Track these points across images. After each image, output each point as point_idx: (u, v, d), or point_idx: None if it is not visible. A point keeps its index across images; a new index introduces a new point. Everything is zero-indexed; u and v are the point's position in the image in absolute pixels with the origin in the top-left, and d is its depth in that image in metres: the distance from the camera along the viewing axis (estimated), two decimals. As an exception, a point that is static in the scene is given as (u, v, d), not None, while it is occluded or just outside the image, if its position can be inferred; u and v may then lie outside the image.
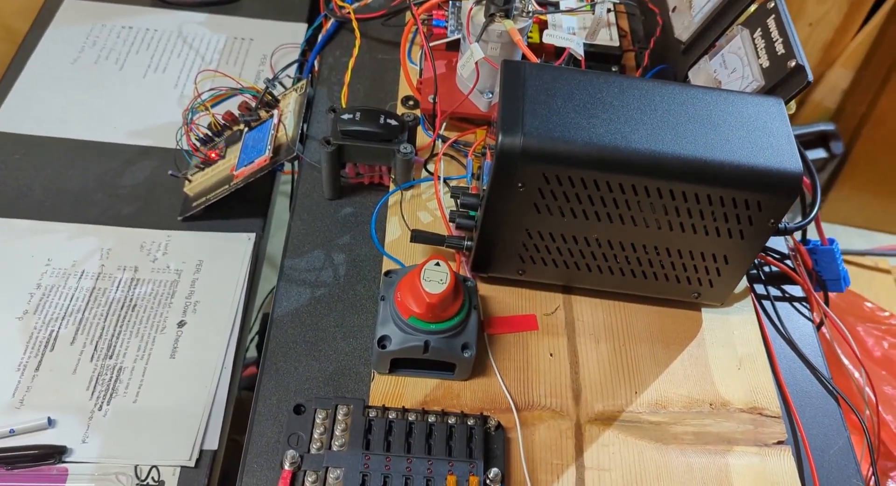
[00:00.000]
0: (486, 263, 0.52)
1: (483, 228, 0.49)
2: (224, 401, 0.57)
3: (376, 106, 0.62)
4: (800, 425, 0.51)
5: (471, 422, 0.46)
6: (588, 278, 0.52)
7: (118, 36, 0.83)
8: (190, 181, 0.68)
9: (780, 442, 0.49)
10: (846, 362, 0.72)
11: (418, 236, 0.53)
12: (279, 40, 0.83)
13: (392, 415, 0.45)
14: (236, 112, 0.69)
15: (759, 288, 0.59)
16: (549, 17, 0.61)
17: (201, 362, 0.59)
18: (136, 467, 0.54)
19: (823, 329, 0.59)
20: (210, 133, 0.69)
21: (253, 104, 0.67)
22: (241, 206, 0.67)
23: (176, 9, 0.86)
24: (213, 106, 0.70)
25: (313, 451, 0.44)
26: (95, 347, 0.60)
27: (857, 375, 0.74)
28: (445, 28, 0.65)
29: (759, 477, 0.47)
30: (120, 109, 0.76)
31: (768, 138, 0.45)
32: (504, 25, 0.55)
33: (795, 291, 0.60)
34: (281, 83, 0.71)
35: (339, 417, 0.45)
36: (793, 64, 0.48)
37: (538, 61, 0.54)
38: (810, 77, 0.48)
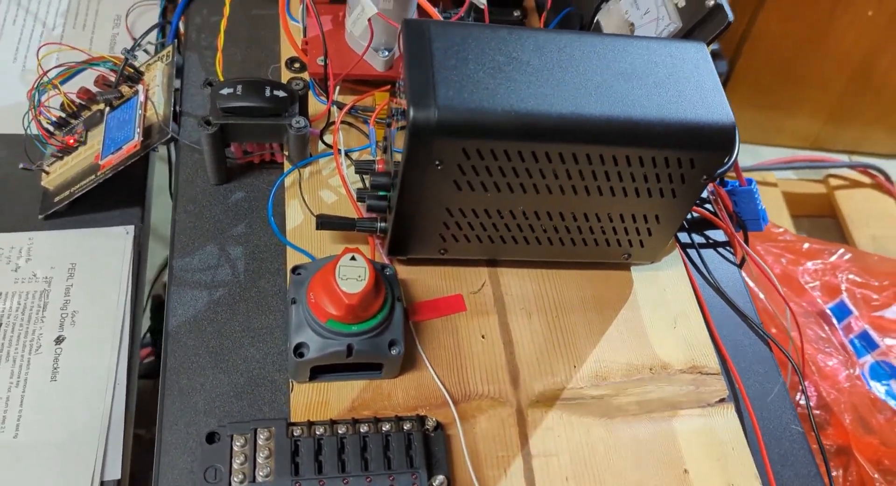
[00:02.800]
0: (404, 245, 0.47)
1: (399, 209, 0.44)
2: (121, 421, 0.51)
3: (256, 74, 0.55)
4: (738, 378, 0.50)
5: (407, 426, 0.42)
6: (514, 250, 0.48)
7: (-65, 2, 0.71)
8: (48, 173, 0.59)
9: (721, 400, 0.48)
10: (768, 304, 0.72)
11: (325, 223, 0.48)
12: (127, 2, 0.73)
13: (319, 431, 0.41)
14: (93, 89, 0.60)
15: (683, 237, 0.57)
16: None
17: (89, 380, 0.52)
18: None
19: (745, 267, 0.58)
20: (64, 115, 0.59)
21: (112, 78, 0.58)
22: (112, 195, 0.58)
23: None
24: (62, 82, 0.61)
25: (235, 485, 0.39)
26: (-39, 378, 0.52)
27: (780, 313, 0.75)
28: (326, -19, 0.57)
29: (705, 439, 0.46)
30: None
31: (696, 89, 0.42)
32: (394, -25, 0.48)
33: (718, 235, 0.58)
34: (145, 51, 0.62)
35: (261, 441, 0.40)
36: (711, 3, 0.45)
37: (439, 16, 0.48)
38: (731, 16, 0.44)
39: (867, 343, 1.00)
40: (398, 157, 0.41)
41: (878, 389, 0.96)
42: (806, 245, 1.12)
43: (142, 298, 0.59)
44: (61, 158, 0.59)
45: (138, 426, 0.52)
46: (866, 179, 1.60)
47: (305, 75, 0.57)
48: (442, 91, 0.38)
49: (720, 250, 0.58)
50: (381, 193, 0.46)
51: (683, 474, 0.45)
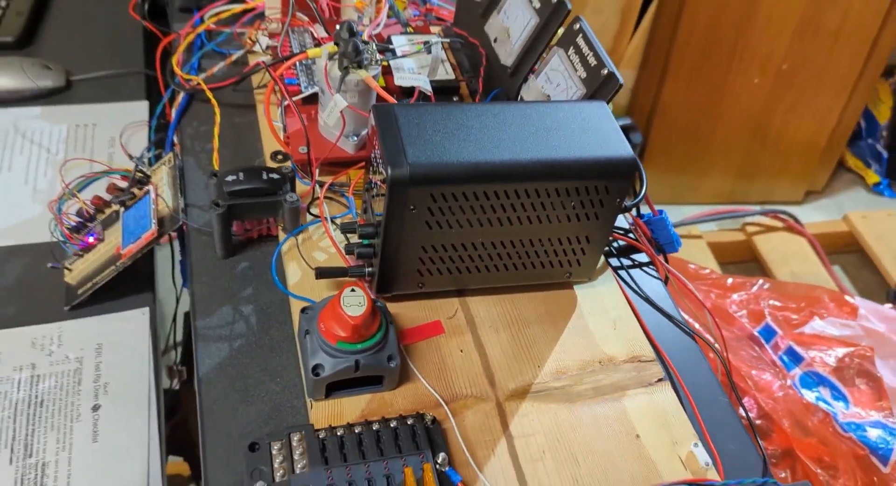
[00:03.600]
0: (388, 283, 0.58)
1: (384, 252, 0.55)
2: (159, 472, 0.59)
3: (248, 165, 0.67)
4: (670, 363, 0.61)
5: (410, 421, 0.52)
6: (477, 279, 0.60)
7: (-52, 141, 0.81)
8: (70, 270, 0.69)
9: (659, 380, 0.59)
10: (691, 308, 0.84)
11: (322, 273, 0.59)
12: (122, 121, 0.85)
13: (340, 432, 0.50)
14: (105, 196, 0.71)
15: (614, 262, 0.69)
16: (391, 63, 0.68)
17: (125, 438, 0.60)
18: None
19: (669, 285, 0.70)
20: (82, 220, 0.70)
21: (122, 185, 0.70)
22: (126, 283, 0.68)
23: (6, 107, 0.85)
24: (79, 191, 0.72)
25: (278, 479, 0.48)
26: (11, 449, 0.60)
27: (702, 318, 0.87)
28: (298, 85, 0.71)
29: (650, 411, 0.57)
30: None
31: (601, 134, 0.55)
32: (360, 75, 0.62)
33: (642, 258, 0.71)
34: (148, 161, 0.74)
35: (294, 443, 0.49)
36: (605, 72, 0.59)
37: (395, 101, 0.61)
38: (621, 80, 0.59)
39: (794, 358, 1.13)
40: (378, 218, 0.53)
41: (809, 395, 1.08)
42: (730, 280, 1.26)
43: (160, 365, 0.68)
44: (82, 256, 0.69)
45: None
46: (779, 224, 1.78)
47: (289, 163, 0.69)
48: (410, 152, 0.51)
49: (645, 269, 0.70)
50: (365, 243, 0.57)
51: (636, 438, 0.55)
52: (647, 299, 0.67)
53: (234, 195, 0.60)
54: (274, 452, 0.49)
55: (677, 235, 0.73)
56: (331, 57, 0.63)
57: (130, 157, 0.77)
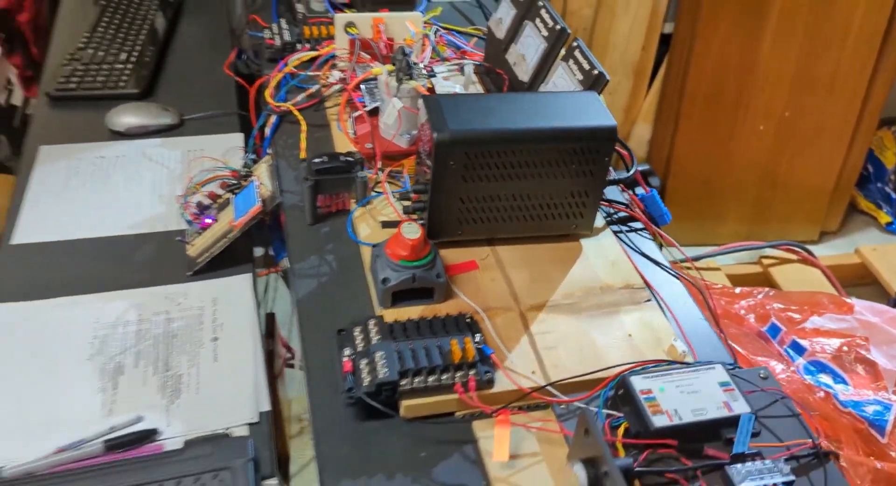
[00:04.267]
0: (435, 230, 0.77)
1: (431, 202, 0.75)
2: (264, 378, 0.78)
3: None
4: (655, 290, 0.78)
5: (454, 315, 0.70)
6: (502, 228, 0.79)
7: (94, 165, 1.04)
8: (192, 246, 0.90)
9: (647, 300, 0.76)
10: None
11: (387, 224, 0.78)
12: (224, 148, 1.07)
13: (403, 322, 0.68)
14: (218, 190, 0.92)
15: (615, 228, 0.88)
16: (434, 82, 0.90)
17: (238, 359, 0.79)
18: (213, 432, 0.73)
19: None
20: (200, 208, 0.91)
21: (229, 183, 0.91)
22: (231, 257, 0.88)
23: (133, 139, 1.09)
24: (202, 187, 0.93)
25: (359, 348, 0.66)
26: (155, 365, 0.79)
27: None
28: (363, 103, 0.92)
29: (640, 321, 0.74)
30: (113, 212, 0.96)
31: (593, 112, 0.75)
32: (411, 84, 0.83)
33: (637, 225, 0.89)
34: (252, 162, 0.95)
35: (370, 327, 0.67)
36: (596, 72, 0.80)
37: (439, 99, 0.82)
38: (608, 76, 0.79)
39: (797, 349, 1.27)
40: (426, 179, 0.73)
41: (812, 380, 1.21)
42: (738, 289, 1.42)
43: (260, 311, 0.87)
44: (201, 233, 0.90)
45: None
46: (794, 257, 1.92)
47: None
48: (450, 122, 0.71)
49: (640, 233, 0.88)
50: (417, 202, 0.77)
51: (629, 337, 0.72)
52: (640, 252, 0.85)
53: (320, 172, 0.81)
54: (355, 333, 0.68)
55: (667, 209, 0.91)
56: (389, 73, 0.85)
57: (244, 157, 0.98)
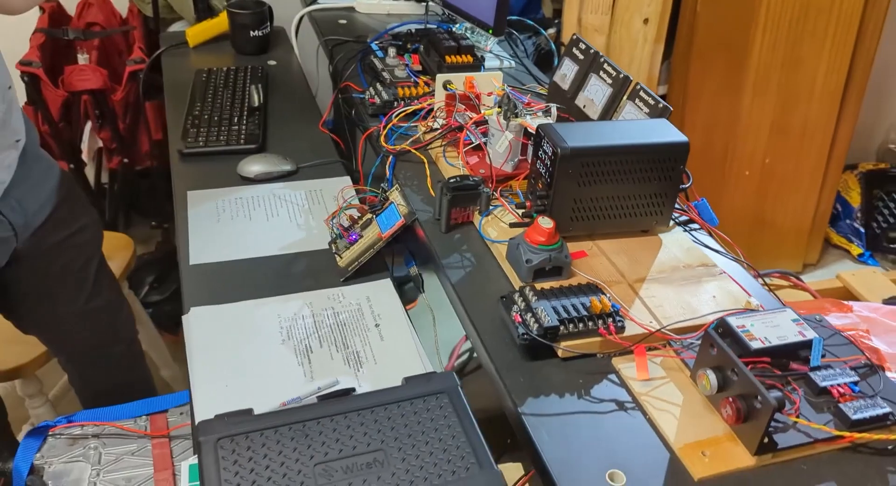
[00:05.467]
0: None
1: (553, 203, 0.98)
2: (424, 352, 0.98)
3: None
4: (721, 268, 1.01)
5: (584, 283, 0.91)
6: (601, 226, 1.02)
7: (236, 203, 1.25)
8: (342, 257, 1.11)
9: (721, 273, 0.99)
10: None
11: (515, 224, 1.01)
12: (336, 187, 1.30)
13: (547, 288, 0.90)
14: (355, 214, 1.14)
15: (679, 228, 1.11)
16: (528, 118, 1.14)
17: (400, 337, 1.00)
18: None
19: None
20: (346, 226, 1.13)
21: (367, 206, 1.13)
22: (369, 268, 1.10)
23: (260, 184, 1.31)
24: (345, 210, 1.15)
25: (522, 306, 0.87)
26: (336, 346, 0.99)
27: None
28: (469, 141, 1.16)
29: (719, 288, 0.97)
30: (264, 238, 1.17)
31: (668, 132, 1.00)
32: (517, 120, 1.08)
33: (695, 226, 1.13)
34: (383, 189, 1.17)
35: (527, 292, 0.89)
36: (661, 106, 1.05)
37: (544, 130, 1.06)
38: (671, 108, 1.04)
39: (812, 343, 1.50)
40: (545, 188, 0.96)
41: (827, 363, 1.44)
42: (753, 300, 1.65)
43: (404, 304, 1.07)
44: (349, 248, 1.11)
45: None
46: (785, 283, 2.18)
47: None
48: (567, 139, 0.95)
49: (698, 232, 1.12)
50: (538, 205, 1.00)
51: (713, 298, 0.94)
52: (703, 244, 1.08)
53: (455, 189, 1.04)
54: (516, 297, 0.89)
55: (714, 215, 1.15)
56: (498, 113, 1.09)
57: (365, 192, 1.20)
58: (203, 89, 1.55)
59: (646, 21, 2.08)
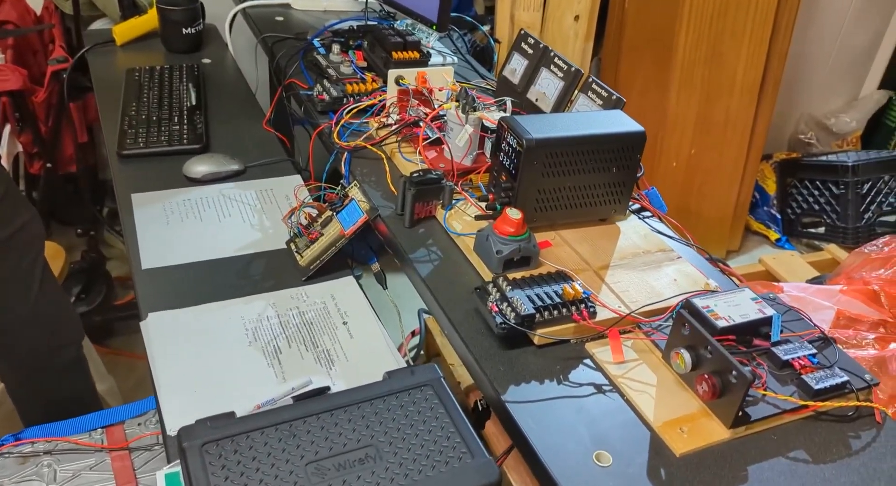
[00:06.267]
0: (517, 218, 1.02)
1: (518, 193, 0.99)
2: (395, 346, 0.98)
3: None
4: (679, 253, 1.05)
5: (553, 272, 0.93)
6: (563, 216, 1.04)
7: (184, 205, 1.21)
8: (302, 256, 1.09)
9: (679, 257, 1.03)
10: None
11: (480, 217, 1.02)
12: (287, 186, 1.27)
13: (518, 278, 0.91)
14: (314, 212, 1.12)
15: (636, 215, 1.15)
16: (485, 112, 1.15)
17: (369, 333, 0.99)
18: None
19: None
20: (305, 223, 1.11)
21: (325, 203, 1.12)
22: (332, 266, 1.09)
23: (207, 185, 1.27)
24: (300, 209, 1.13)
25: (497, 297, 0.88)
26: (305, 345, 0.97)
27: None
28: (426, 135, 1.16)
29: (679, 271, 1.00)
30: (218, 239, 1.14)
31: (625, 122, 1.03)
32: (476, 114, 1.09)
33: (647, 214, 1.17)
34: (342, 185, 1.16)
35: (500, 282, 0.90)
36: (615, 97, 1.08)
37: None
38: (624, 100, 1.07)
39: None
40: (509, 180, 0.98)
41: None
42: (691, 285, 1.72)
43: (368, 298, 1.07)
44: (309, 246, 1.10)
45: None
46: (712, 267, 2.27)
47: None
48: (531, 131, 0.96)
49: (649, 218, 1.16)
50: (503, 196, 1.01)
51: (674, 282, 0.98)
52: (657, 230, 1.12)
53: (419, 184, 1.04)
54: (489, 288, 0.90)
55: (664, 202, 1.19)
56: (456, 107, 1.10)
57: (323, 188, 1.18)
58: (137, 89, 1.50)
59: (576, 18, 2.13)
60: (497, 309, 0.87)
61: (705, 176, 2.40)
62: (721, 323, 0.85)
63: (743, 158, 2.43)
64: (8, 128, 1.76)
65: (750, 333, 0.88)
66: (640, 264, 1.01)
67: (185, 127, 1.38)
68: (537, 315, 0.86)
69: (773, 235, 2.65)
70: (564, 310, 0.88)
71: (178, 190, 1.25)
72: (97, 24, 1.93)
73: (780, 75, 2.33)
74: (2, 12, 1.92)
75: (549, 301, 0.87)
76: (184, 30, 1.68)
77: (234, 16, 1.76)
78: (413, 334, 1.33)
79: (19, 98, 1.71)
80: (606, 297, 0.94)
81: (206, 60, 1.70)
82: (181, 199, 1.23)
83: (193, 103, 1.46)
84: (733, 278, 1.08)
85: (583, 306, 0.89)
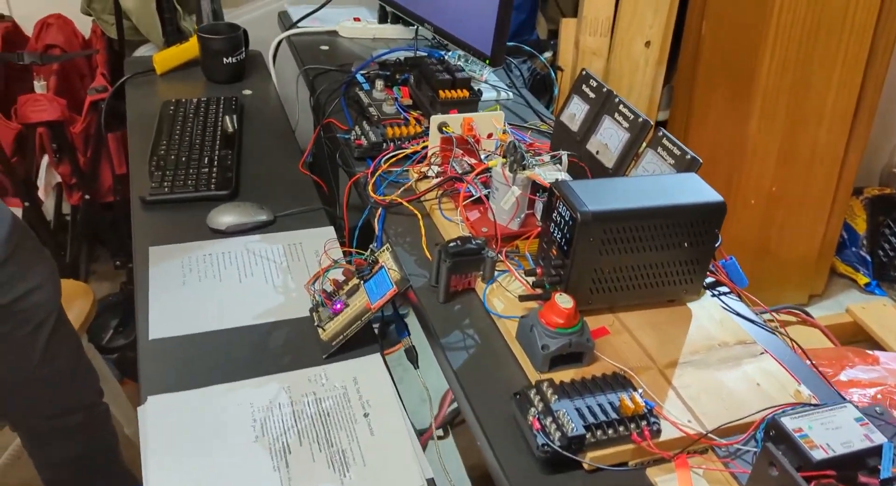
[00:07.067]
0: (569, 301, 0.87)
1: (571, 274, 0.84)
2: (422, 451, 0.84)
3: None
4: (765, 349, 0.88)
5: (609, 374, 0.78)
6: (624, 297, 0.89)
7: (205, 261, 1.10)
8: (325, 330, 0.97)
9: (762, 353, 0.86)
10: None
11: (524, 297, 0.87)
12: (318, 240, 1.15)
13: (567, 381, 0.77)
14: (340, 278, 1.00)
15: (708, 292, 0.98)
16: (538, 171, 1.01)
17: (393, 431, 0.86)
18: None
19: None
20: (329, 292, 0.98)
21: (353, 269, 0.99)
22: (358, 340, 0.96)
23: (232, 236, 1.16)
24: (325, 275, 1.01)
25: (541, 408, 0.73)
26: (318, 443, 0.84)
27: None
28: (469, 193, 1.03)
29: (762, 371, 0.84)
30: (236, 304, 1.02)
31: (700, 190, 0.87)
32: (525, 173, 0.94)
33: (724, 288, 1.00)
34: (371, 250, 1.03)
35: (544, 388, 0.75)
36: (689, 157, 0.92)
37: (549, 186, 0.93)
38: (700, 161, 0.91)
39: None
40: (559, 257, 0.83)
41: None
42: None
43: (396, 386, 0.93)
44: (332, 319, 0.97)
45: None
46: (793, 319, 2.06)
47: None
48: (587, 202, 0.81)
49: (728, 296, 0.99)
50: (553, 273, 0.86)
51: (757, 386, 0.81)
52: (735, 311, 0.95)
53: (456, 255, 0.90)
54: (531, 395, 0.75)
55: (744, 275, 1.02)
56: (503, 164, 0.96)
57: (353, 253, 1.06)
58: (170, 124, 1.40)
59: (647, 44, 1.96)
60: (539, 425, 0.72)
61: (787, 213, 2.19)
62: (818, 454, 0.69)
63: (831, 194, 2.21)
64: (46, 159, 1.70)
65: (854, 466, 0.71)
66: (715, 361, 0.85)
67: (214, 169, 1.28)
68: (588, 435, 0.71)
69: (862, 279, 2.41)
70: (622, 428, 0.73)
71: (200, 243, 1.14)
72: (141, 51, 1.87)
73: (877, 104, 2.10)
74: (48, 36, 1.87)
75: (602, 418, 0.72)
76: (224, 59, 1.59)
77: (279, 44, 1.66)
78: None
79: (58, 128, 1.65)
80: (673, 407, 0.78)
81: (247, 92, 1.60)
82: (202, 254, 1.12)
83: (227, 141, 1.35)
84: (790, 333, 0.90)
85: (644, 422, 0.73)
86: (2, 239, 1.08)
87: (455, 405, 1.84)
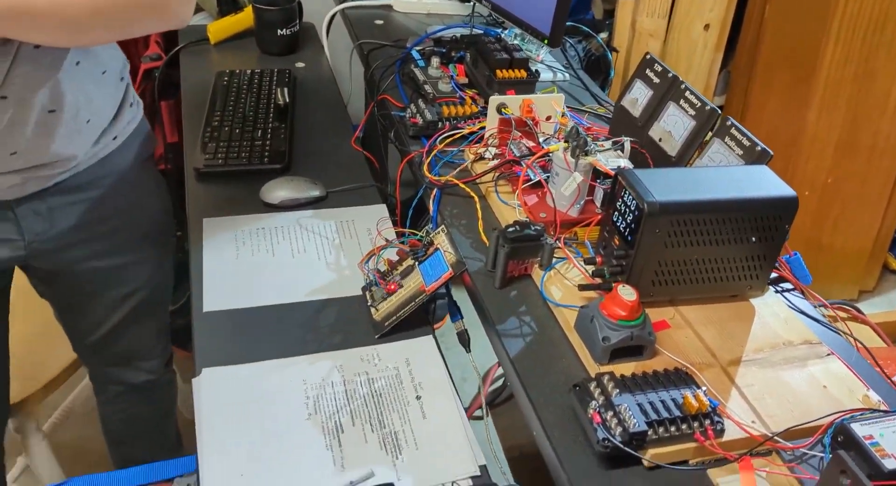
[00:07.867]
0: (630, 292, 0.85)
1: (634, 266, 0.82)
2: (473, 436, 0.83)
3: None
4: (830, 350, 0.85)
5: (672, 370, 0.76)
6: (686, 290, 0.86)
7: (258, 235, 1.10)
8: (378, 310, 0.96)
9: (829, 354, 0.84)
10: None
11: (584, 287, 0.85)
12: (370, 218, 1.14)
13: (627, 375, 0.75)
14: (394, 258, 0.99)
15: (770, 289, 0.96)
16: (599, 157, 0.98)
17: (445, 414, 0.85)
18: (441, 485, 0.78)
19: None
20: (383, 272, 0.98)
21: (408, 250, 0.98)
22: (409, 321, 0.94)
23: (285, 211, 1.15)
24: (380, 255, 1.00)
25: (601, 402, 0.72)
26: (371, 424, 0.84)
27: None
28: (527, 177, 1.01)
29: (829, 373, 0.81)
30: (289, 280, 1.02)
31: (772, 183, 0.84)
32: (587, 159, 0.92)
33: (787, 285, 0.97)
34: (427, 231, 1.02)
35: (605, 381, 0.74)
36: (759, 148, 0.89)
37: (612, 174, 0.90)
38: (771, 153, 0.88)
39: None
40: (623, 247, 0.81)
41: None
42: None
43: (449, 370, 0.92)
44: (385, 299, 0.96)
45: None
46: (844, 314, 2.01)
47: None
48: (654, 192, 0.79)
49: (792, 293, 0.96)
50: (614, 263, 0.84)
51: (824, 388, 0.79)
52: (799, 310, 0.92)
53: (515, 240, 0.88)
54: (591, 388, 0.74)
55: (808, 271, 0.99)
56: (565, 149, 0.93)
57: (407, 233, 1.05)
58: (224, 95, 1.40)
59: (706, 27, 1.90)
60: (600, 419, 0.71)
61: (843, 206, 2.13)
62: (890, 464, 0.66)
63: (889, 188, 2.14)
64: (99, 125, 1.71)
65: (925, 476, 0.68)
66: (780, 361, 0.82)
67: (267, 143, 1.27)
68: (650, 432, 0.70)
69: (916, 276, 2.34)
70: (684, 426, 0.71)
71: (253, 216, 1.14)
72: (195, 19, 1.86)
73: (944, 97, 2.02)
74: (103, 3, 1.87)
75: (665, 414, 0.71)
76: (279, 31, 1.58)
77: (333, 17, 1.64)
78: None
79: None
80: (737, 406, 0.76)
81: (300, 64, 1.59)
82: (255, 227, 1.12)
83: (280, 114, 1.35)
84: (840, 329, 0.87)
85: (707, 421, 0.71)
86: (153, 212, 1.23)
87: (495, 385, 1.83)
